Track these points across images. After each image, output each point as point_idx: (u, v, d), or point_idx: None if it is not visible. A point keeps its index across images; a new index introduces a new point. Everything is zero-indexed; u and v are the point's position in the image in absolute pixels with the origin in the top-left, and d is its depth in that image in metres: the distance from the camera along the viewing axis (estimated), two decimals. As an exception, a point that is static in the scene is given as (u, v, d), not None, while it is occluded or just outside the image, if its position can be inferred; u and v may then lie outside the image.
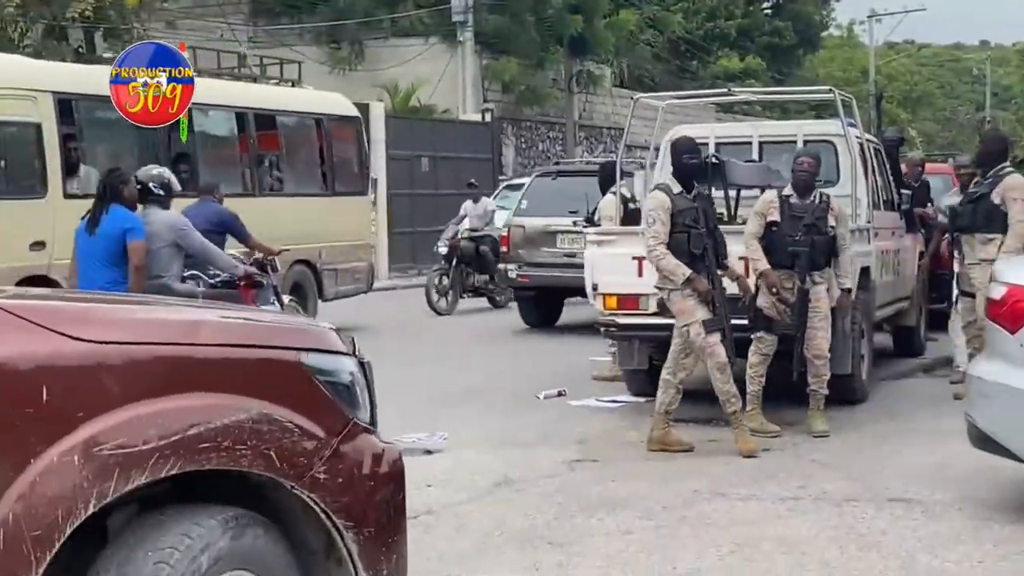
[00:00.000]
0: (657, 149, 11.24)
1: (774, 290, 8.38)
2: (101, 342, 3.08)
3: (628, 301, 9.37)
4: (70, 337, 3.04)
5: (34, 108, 10.77)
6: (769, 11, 49.31)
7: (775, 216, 8.51)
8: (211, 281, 9.19)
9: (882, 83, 54.88)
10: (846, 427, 8.85)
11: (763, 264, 8.43)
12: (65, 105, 10.79)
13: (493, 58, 30.66)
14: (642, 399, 10.06)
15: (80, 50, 23.22)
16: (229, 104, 14.00)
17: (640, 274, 9.25)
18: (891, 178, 11.73)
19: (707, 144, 10.67)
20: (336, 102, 16.30)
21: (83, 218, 8.38)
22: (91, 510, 2.98)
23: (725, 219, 9.62)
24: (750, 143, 10.58)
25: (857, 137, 10.32)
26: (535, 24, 30.39)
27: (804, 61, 52.84)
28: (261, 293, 9.54)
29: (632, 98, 11.19)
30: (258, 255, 10.30)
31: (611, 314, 9.44)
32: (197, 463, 3.14)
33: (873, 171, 10.53)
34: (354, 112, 16.42)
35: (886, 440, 8.46)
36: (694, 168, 8.12)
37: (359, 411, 3.59)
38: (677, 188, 8.03)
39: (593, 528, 6.33)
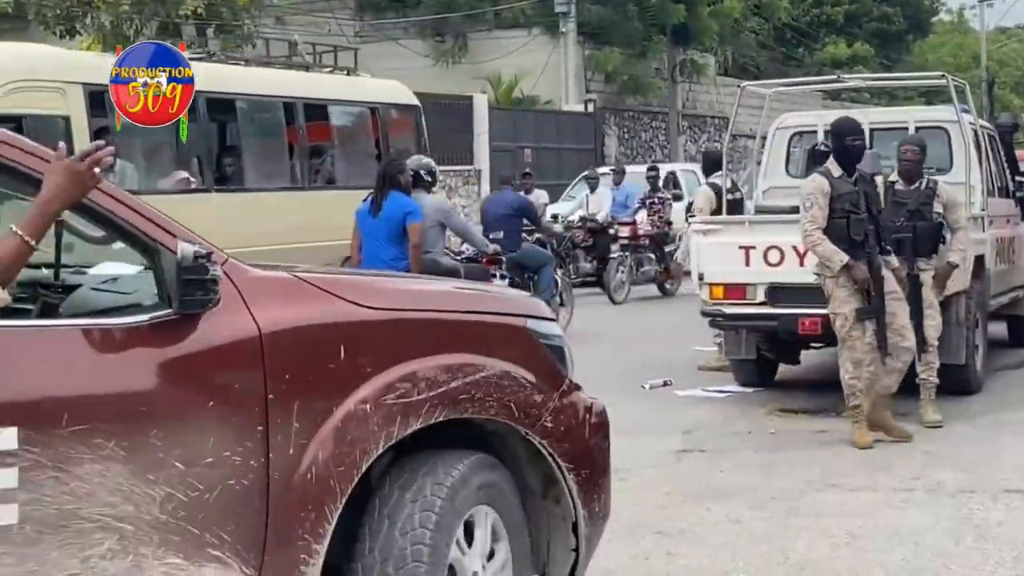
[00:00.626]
0: (764, 138, 11.15)
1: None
2: (381, 308, 3.64)
3: (735, 291, 9.31)
4: (358, 304, 3.58)
5: (63, 101, 9.98)
6: (877, -4, 48.51)
7: (880, 203, 8.39)
8: (457, 258, 10.57)
9: (994, 69, 53.71)
10: (960, 418, 8.70)
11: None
12: (96, 98, 9.92)
13: (596, 48, 30.63)
14: (749, 390, 10.01)
15: (193, 46, 23.65)
16: (275, 94, 13.32)
17: (747, 263, 9.19)
18: (1005, 165, 11.49)
19: (816, 132, 10.56)
20: (393, 89, 15.58)
21: (364, 201, 9.36)
22: (380, 450, 3.54)
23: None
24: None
25: (971, 123, 10.13)
26: (638, 14, 30.30)
27: (913, 47, 51.95)
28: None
29: (738, 86, 11.10)
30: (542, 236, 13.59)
31: (717, 304, 9.38)
32: (457, 412, 3.72)
33: (987, 158, 10.32)
34: (412, 100, 15.61)
35: (1001, 431, 8.30)
36: (859, 150, 7.93)
37: (569, 370, 4.15)
38: (838, 171, 7.90)
39: (702, 517, 6.30)
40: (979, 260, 9.55)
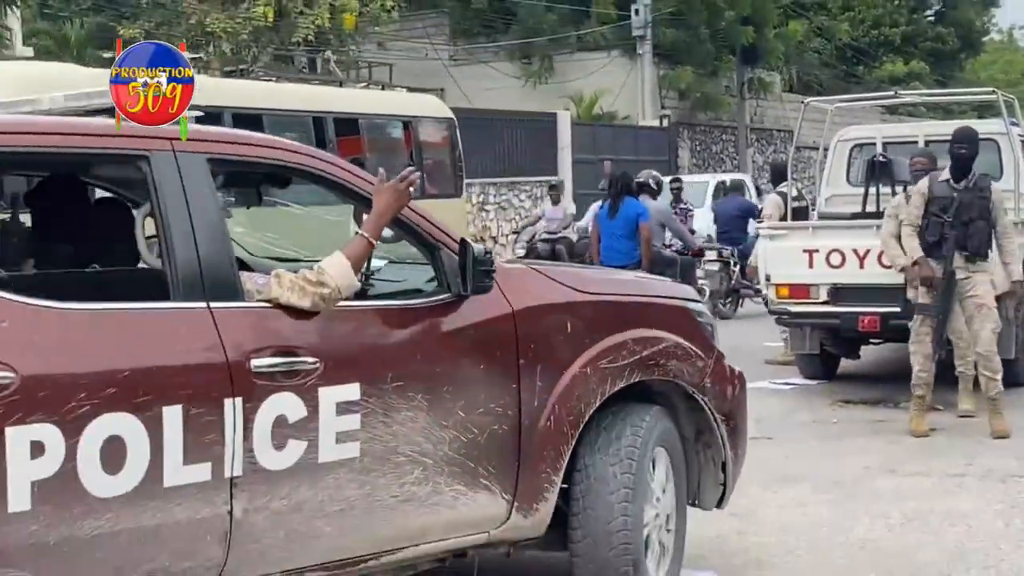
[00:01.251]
0: (826, 149, 11.05)
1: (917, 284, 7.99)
2: (591, 293, 4.38)
3: (799, 290, 9.26)
4: (575, 289, 4.32)
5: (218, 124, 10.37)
6: (932, 18, 47.67)
7: (904, 215, 8.21)
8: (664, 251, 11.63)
9: (1043, 83, 52.47)
10: (1010, 409, 8.54)
11: (904, 260, 8.06)
12: (240, 121, 10.13)
13: (670, 68, 30.48)
14: (813, 382, 9.95)
15: (304, 71, 23.96)
16: (304, 109, 12.75)
17: (811, 265, 9.14)
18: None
19: (875, 144, 10.45)
20: (427, 103, 14.90)
21: (600, 207, 11.05)
22: (597, 404, 4.25)
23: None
24: (916, 142, 10.29)
25: (1020, 135, 9.97)
26: (709, 36, 30.11)
27: (966, 64, 50.93)
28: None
29: (802, 102, 11.02)
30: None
31: (783, 303, 9.33)
32: (647, 374, 4.42)
33: (1035, 167, 10.12)
34: (447, 113, 14.80)
35: (1050, 422, 8.16)
36: (959, 158, 7.79)
37: (717, 343, 4.80)
38: (943, 176, 7.81)
39: (769, 500, 6.29)
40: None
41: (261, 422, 3.46)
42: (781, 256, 9.32)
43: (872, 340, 9.83)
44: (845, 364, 10.27)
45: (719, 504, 4.93)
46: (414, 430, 3.79)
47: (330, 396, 3.59)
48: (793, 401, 9.23)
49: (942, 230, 7.69)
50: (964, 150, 7.79)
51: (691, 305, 4.84)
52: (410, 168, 3.98)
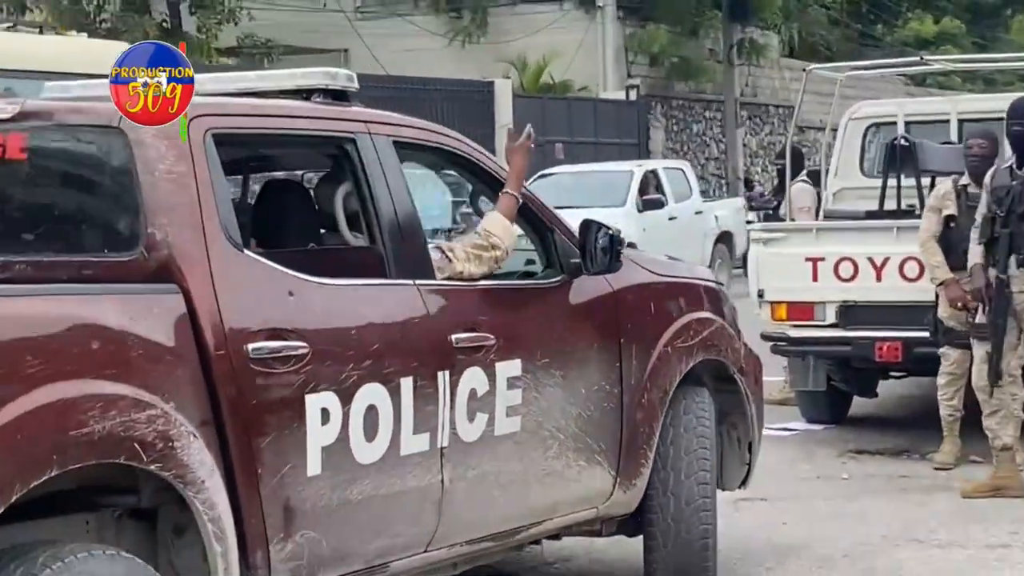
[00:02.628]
0: (835, 130, 11.12)
1: (959, 304, 8.05)
2: (662, 274, 5.82)
3: (800, 310, 9.30)
4: (650, 271, 5.71)
5: None
6: (969, -36, 48.48)
7: (952, 210, 8.25)
8: None
9: (1108, 47, 53.51)
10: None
11: (943, 272, 8.14)
12: None
13: (639, 26, 30.67)
14: (818, 427, 10.00)
15: (165, 24, 23.86)
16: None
17: (815, 278, 9.17)
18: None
19: (895, 123, 10.53)
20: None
21: None
22: (677, 383, 5.57)
23: (916, 212, 9.46)
24: (947, 121, 10.40)
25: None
26: (688, -15, 30.33)
27: (1012, 23, 51.73)
28: None
29: (804, 69, 11.09)
30: None
31: (780, 325, 9.36)
32: (707, 355, 5.79)
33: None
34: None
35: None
36: (1018, 137, 7.80)
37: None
38: (1007, 163, 7.83)
39: (762, 579, 6.29)
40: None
41: (460, 394, 4.64)
42: (777, 266, 9.35)
43: (892, 373, 9.88)
44: (858, 404, 10.33)
45: (743, 484, 6.25)
46: (553, 406, 5.03)
47: (503, 371, 4.80)
48: (793, 451, 9.26)
49: (992, 228, 7.72)
50: (1021, 127, 7.79)
51: (721, 287, 6.28)
52: (529, 126, 5.37)
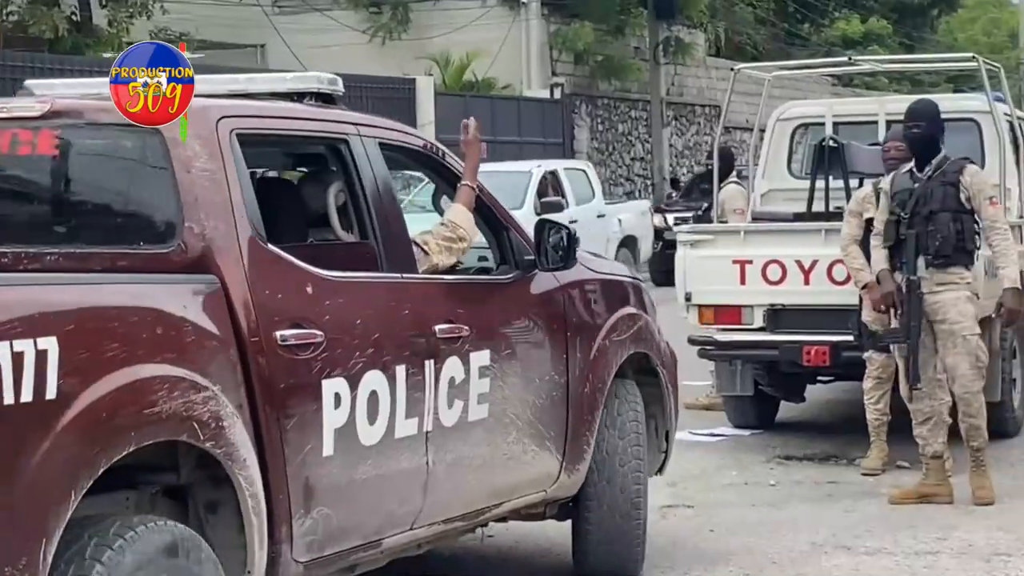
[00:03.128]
0: (763, 131, 11.19)
1: (882, 308, 8.10)
2: (597, 271, 6.29)
3: (728, 313, 9.34)
4: (588, 268, 6.18)
5: None
6: (896, -36, 49.02)
7: (873, 213, 8.32)
8: None
9: (1034, 49, 54.27)
10: (996, 466, 8.72)
11: (866, 275, 8.21)
12: None
13: (563, 23, 30.70)
14: (745, 432, 10.06)
15: (74, 17, 23.56)
16: None
17: (743, 281, 9.22)
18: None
19: (823, 124, 10.60)
20: None
21: None
22: (613, 375, 6.10)
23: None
24: (876, 122, 10.47)
25: (1006, 115, 10.20)
26: (614, -19, 30.40)
27: (939, 23, 52.45)
28: None
29: (732, 69, 11.14)
30: None
31: (707, 329, 9.40)
32: (637, 348, 6.31)
33: (1026, 155, 10.39)
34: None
35: (1044, 482, 8.36)
36: (913, 140, 7.93)
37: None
38: (907, 167, 7.94)
39: (688, 588, 6.31)
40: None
41: (442, 382, 5.05)
42: (705, 269, 9.39)
43: (821, 378, 9.96)
44: (786, 409, 10.40)
45: (659, 471, 6.72)
46: (513, 395, 5.48)
47: (476, 360, 5.23)
48: (720, 457, 9.31)
49: (897, 231, 7.83)
50: (919, 130, 7.91)
51: (642, 283, 6.73)
52: (471, 118, 5.79)
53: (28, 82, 5.34)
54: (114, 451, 3.79)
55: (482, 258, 5.96)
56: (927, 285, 7.76)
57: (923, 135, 7.89)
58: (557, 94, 29.89)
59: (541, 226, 5.68)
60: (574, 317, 5.92)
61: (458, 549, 6.60)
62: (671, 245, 22.25)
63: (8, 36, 21.96)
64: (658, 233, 22.30)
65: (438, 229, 5.46)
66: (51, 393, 3.63)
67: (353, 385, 4.64)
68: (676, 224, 22.79)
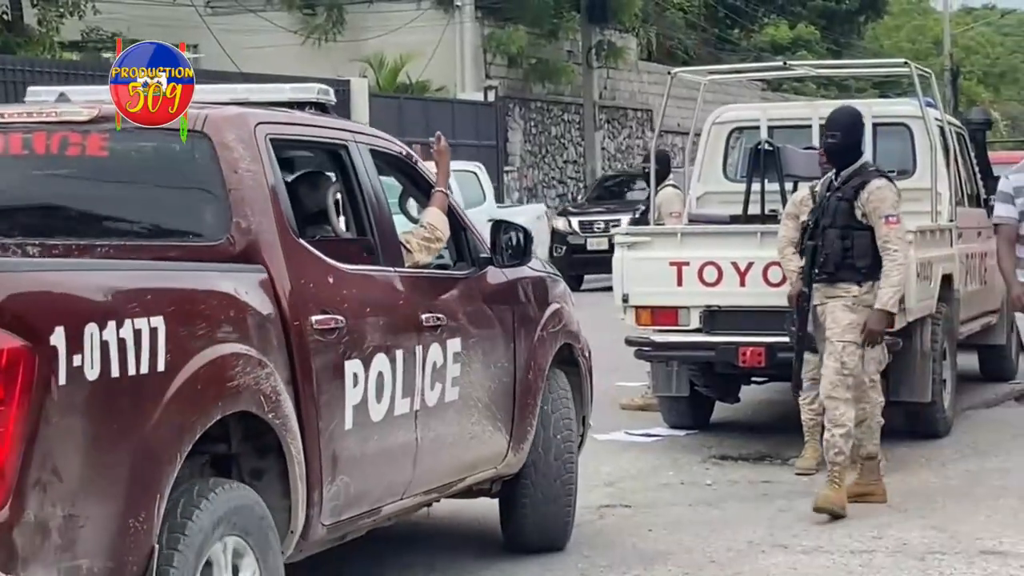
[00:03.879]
0: (698, 135, 11.23)
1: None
2: (538, 271, 6.88)
3: (664, 315, 9.37)
4: (532, 268, 6.74)
5: None
6: (825, -30, 49.41)
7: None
8: None
9: (959, 56, 54.96)
10: (927, 466, 8.83)
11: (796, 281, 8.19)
12: None
13: (497, 26, 30.71)
14: (680, 432, 10.09)
15: (5, 16, 23.28)
16: None
17: (679, 283, 9.25)
18: (976, 168, 11.69)
19: (758, 128, 10.66)
20: None
21: None
22: (550, 362, 6.65)
23: (779, 217, 9.59)
24: (809, 126, 10.54)
25: (937, 119, 10.30)
26: (547, -14, 30.42)
27: (865, 29, 52.93)
28: None
29: (668, 72, 11.18)
30: None
31: (644, 330, 9.42)
32: (565, 340, 6.88)
33: (955, 160, 10.51)
34: None
35: (976, 481, 8.43)
36: (829, 150, 7.92)
37: None
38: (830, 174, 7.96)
39: (628, 587, 6.31)
40: (947, 280, 9.71)
41: (427, 366, 5.60)
42: (641, 271, 9.40)
43: (755, 379, 10.01)
44: (721, 409, 10.44)
45: (578, 449, 7.02)
46: (476, 380, 6.02)
47: (451, 347, 5.77)
48: (656, 458, 9.32)
49: (803, 242, 7.91)
50: (834, 139, 7.87)
51: (560, 279, 7.17)
52: (438, 132, 6.40)
53: (33, 88, 5.54)
54: (207, 419, 4.28)
55: (439, 255, 6.30)
56: (817, 296, 7.83)
57: (838, 144, 7.85)
58: (491, 97, 29.88)
59: (497, 226, 6.23)
60: (519, 310, 6.45)
61: (399, 525, 6.61)
62: (577, 249, 22.59)
63: (-62, 35, 21.65)
64: (562, 237, 22.38)
65: (418, 230, 5.92)
66: (161, 366, 4.12)
67: (366, 366, 5.18)
68: (582, 228, 23.10)
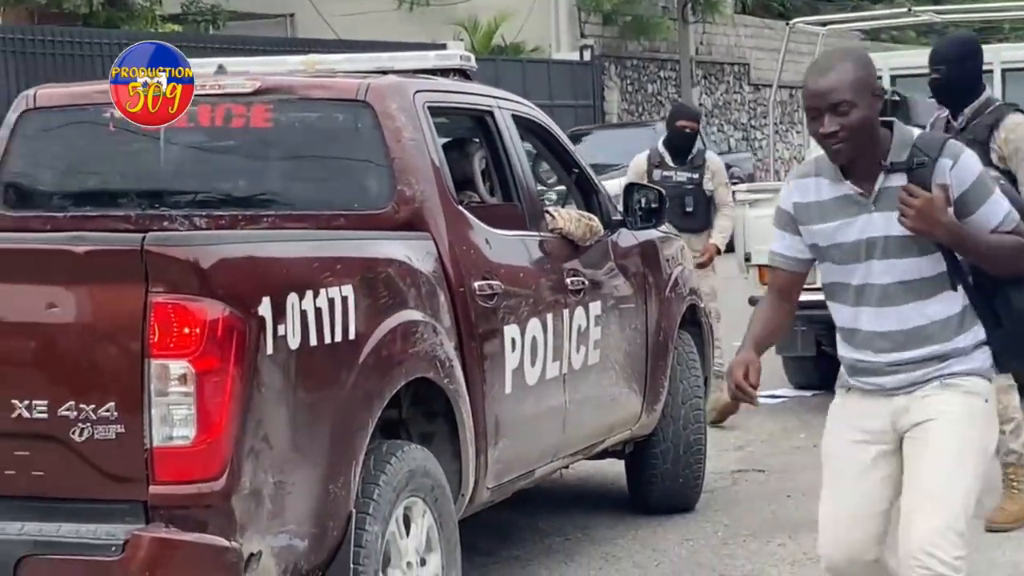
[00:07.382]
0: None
1: None
2: (663, 232, 6.96)
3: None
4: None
5: None
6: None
7: None
8: None
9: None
10: None
11: None
12: None
13: (591, -16, 30.40)
14: (807, 393, 9.88)
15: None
16: None
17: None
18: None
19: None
20: None
21: None
22: (678, 325, 6.73)
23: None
24: (936, 75, 10.14)
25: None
26: (640, -60, 30.11)
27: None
28: None
29: (787, 24, 10.88)
30: None
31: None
32: (691, 301, 6.97)
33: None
34: None
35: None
36: (934, 86, 7.16)
37: None
38: (944, 114, 7.28)
39: (774, 555, 6.18)
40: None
41: (574, 329, 5.70)
42: (765, 228, 9.09)
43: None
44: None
45: None
46: (614, 342, 6.10)
47: (592, 310, 5.88)
48: (785, 420, 9.13)
49: None
50: (939, 75, 6.98)
51: (680, 238, 7.39)
52: None
53: (195, 60, 5.56)
54: (394, 384, 4.40)
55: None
56: None
57: (944, 80, 6.96)
58: (587, 56, 29.64)
59: (630, 188, 6.37)
60: (649, 272, 6.52)
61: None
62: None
63: (43, 12, 21.84)
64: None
65: (574, 212, 6.06)
66: (352, 334, 4.23)
67: (522, 330, 5.28)
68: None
